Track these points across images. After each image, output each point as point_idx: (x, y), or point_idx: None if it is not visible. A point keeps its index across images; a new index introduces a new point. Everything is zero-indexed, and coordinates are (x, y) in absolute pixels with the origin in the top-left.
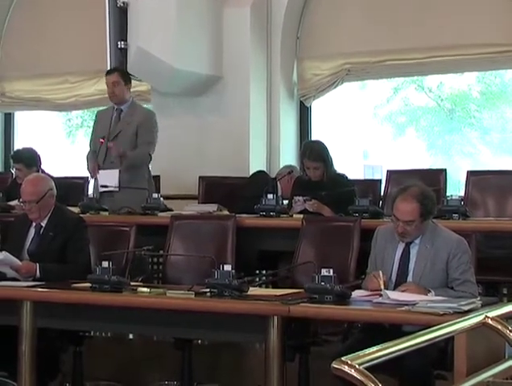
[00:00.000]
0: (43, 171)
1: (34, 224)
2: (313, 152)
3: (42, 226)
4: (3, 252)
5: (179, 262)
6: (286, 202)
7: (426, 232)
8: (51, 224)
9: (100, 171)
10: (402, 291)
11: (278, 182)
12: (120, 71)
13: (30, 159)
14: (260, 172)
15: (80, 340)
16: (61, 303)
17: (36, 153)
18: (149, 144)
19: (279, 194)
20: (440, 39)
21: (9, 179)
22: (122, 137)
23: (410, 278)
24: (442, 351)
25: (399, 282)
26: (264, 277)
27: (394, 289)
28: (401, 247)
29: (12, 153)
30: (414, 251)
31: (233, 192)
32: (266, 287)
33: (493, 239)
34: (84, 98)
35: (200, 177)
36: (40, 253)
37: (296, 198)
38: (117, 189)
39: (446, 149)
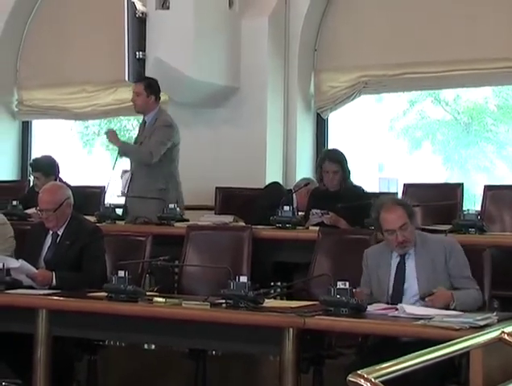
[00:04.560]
0: (60, 180)
1: (51, 233)
2: (333, 155)
3: (58, 235)
4: (20, 260)
5: (195, 273)
6: (301, 213)
7: (417, 241)
8: (67, 233)
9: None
10: (430, 299)
11: (294, 194)
12: (146, 83)
13: (49, 168)
14: (274, 183)
15: (95, 349)
16: (77, 312)
17: (55, 161)
18: (156, 142)
19: (295, 206)
20: (457, 53)
21: (26, 187)
22: (143, 147)
23: (413, 290)
24: (451, 364)
25: (396, 295)
26: (279, 289)
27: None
28: (395, 261)
29: (31, 161)
30: (411, 262)
31: (250, 203)
32: (282, 299)
33: (509, 254)
34: (101, 108)
35: (216, 187)
36: (56, 262)
37: (314, 210)
38: (124, 190)
39: (462, 163)
